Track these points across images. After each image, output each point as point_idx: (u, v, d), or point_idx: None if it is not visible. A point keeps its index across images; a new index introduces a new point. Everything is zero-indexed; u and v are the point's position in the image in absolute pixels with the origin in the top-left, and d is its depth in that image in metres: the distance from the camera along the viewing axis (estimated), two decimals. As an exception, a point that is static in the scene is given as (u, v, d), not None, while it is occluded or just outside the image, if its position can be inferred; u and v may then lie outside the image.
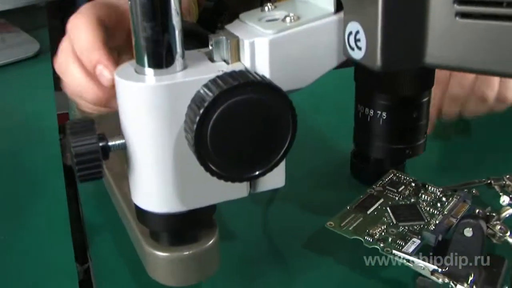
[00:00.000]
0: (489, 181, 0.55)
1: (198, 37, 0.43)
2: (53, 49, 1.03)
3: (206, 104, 0.31)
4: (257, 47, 0.36)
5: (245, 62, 0.37)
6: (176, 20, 0.35)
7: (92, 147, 0.35)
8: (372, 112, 0.44)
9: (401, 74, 0.42)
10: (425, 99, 0.43)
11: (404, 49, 0.34)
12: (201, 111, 0.31)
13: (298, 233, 0.52)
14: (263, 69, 0.37)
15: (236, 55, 0.37)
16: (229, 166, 0.33)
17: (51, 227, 0.53)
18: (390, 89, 0.42)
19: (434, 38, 0.34)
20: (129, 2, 0.35)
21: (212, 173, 0.33)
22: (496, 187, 0.55)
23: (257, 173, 0.34)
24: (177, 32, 0.35)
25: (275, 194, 0.57)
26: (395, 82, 0.42)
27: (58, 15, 1.77)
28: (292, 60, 0.37)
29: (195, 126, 0.31)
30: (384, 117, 0.43)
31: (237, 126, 0.32)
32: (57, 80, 0.90)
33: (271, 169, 0.34)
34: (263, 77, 0.33)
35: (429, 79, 0.43)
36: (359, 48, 0.35)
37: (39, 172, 0.62)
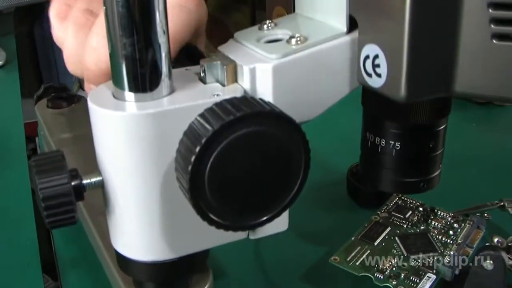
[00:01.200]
0: (502, 203, 0.51)
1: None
2: (20, 58, 0.98)
3: (204, 140, 0.25)
4: (258, 74, 0.31)
5: (244, 84, 0.31)
6: (161, 34, 0.30)
7: (62, 188, 0.29)
8: (383, 142, 0.38)
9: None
10: (442, 127, 0.38)
11: (432, 77, 0.29)
12: (198, 148, 0.25)
13: (295, 265, 0.47)
14: (265, 99, 0.31)
15: (233, 78, 0.31)
16: (231, 214, 0.27)
17: (18, 262, 0.47)
18: (405, 116, 0.37)
19: (466, 63, 0.29)
20: (104, 12, 0.29)
21: (211, 222, 0.27)
22: (510, 209, 0.50)
23: (263, 219, 0.28)
24: (163, 48, 0.30)
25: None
26: (411, 109, 0.37)
27: (26, 22, 1.70)
28: (299, 88, 0.32)
29: (190, 167, 0.25)
30: (398, 148, 0.38)
31: (241, 166, 0.27)
32: (23, 88, 0.85)
33: (279, 214, 0.29)
34: (270, 105, 0.28)
35: (447, 104, 0.38)
36: (378, 75, 0.30)
37: (4, 195, 0.57)
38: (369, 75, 0.31)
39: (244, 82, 0.31)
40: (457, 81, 0.29)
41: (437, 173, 0.40)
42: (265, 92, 0.31)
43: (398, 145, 0.38)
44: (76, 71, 0.37)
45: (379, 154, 0.38)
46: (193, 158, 0.25)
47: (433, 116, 0.37)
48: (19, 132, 0.70)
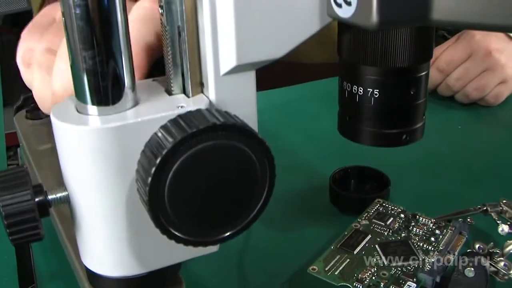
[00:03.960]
0: (485, 208, 0.50)
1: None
2: (6, 67, 0.97)
3: (164, 152, 0.25)
4: (219, 3, 0.29)
5: (205, 16, 0.30)
6: (123, 46, 0.29)
7: (26, 205, 0.29)
8: (361, 90, 0.36)
9: (396, 41, 0.35)
10: (423, 73, 0.36)
11: (406, 1, 0.27)
12: (158, 160, 0.25)
13: (275, 274, 0.46)
14: (228, 34, 0.29)
15: (192, 10, 0.30)
16: (194, 229, 0.27)
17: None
18: (382, 59, 0.35)
19: None
20: (64, 25, 0.28)
21: (171, 236, 0.26)
22: (492, 214, 0.50)
23: (228, 234, 0.28)
24: (124, 60, 0.29)
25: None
26: (388, 51, 0.35)
27: (12, 31, 1.69)
28: (265, 22, 0.30)
29: (150, 178, 0.25)
30: (376, 95, 0.36)
31: (202, 179, 0.26)
32: (10, 97, 0.84)
33: (245, 227, 0.28)
34: (231, 117, 0.27)
35: (428, 47, 0.36)
36: (348, 3, 0.28)
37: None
38: (339, 5, 0.29)
39: (204, 15, 0.29)
40: (434, 6, 0.27)
41: (420, 124, 0.37)
42: (227, 25, 0.29)
43: (376, 92, 0.35)
44: (48, 108, 0.37)
45: (357, 104, 0.36)
46: (153, 170, 0.25)
47: (413, 59, 0.35)
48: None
